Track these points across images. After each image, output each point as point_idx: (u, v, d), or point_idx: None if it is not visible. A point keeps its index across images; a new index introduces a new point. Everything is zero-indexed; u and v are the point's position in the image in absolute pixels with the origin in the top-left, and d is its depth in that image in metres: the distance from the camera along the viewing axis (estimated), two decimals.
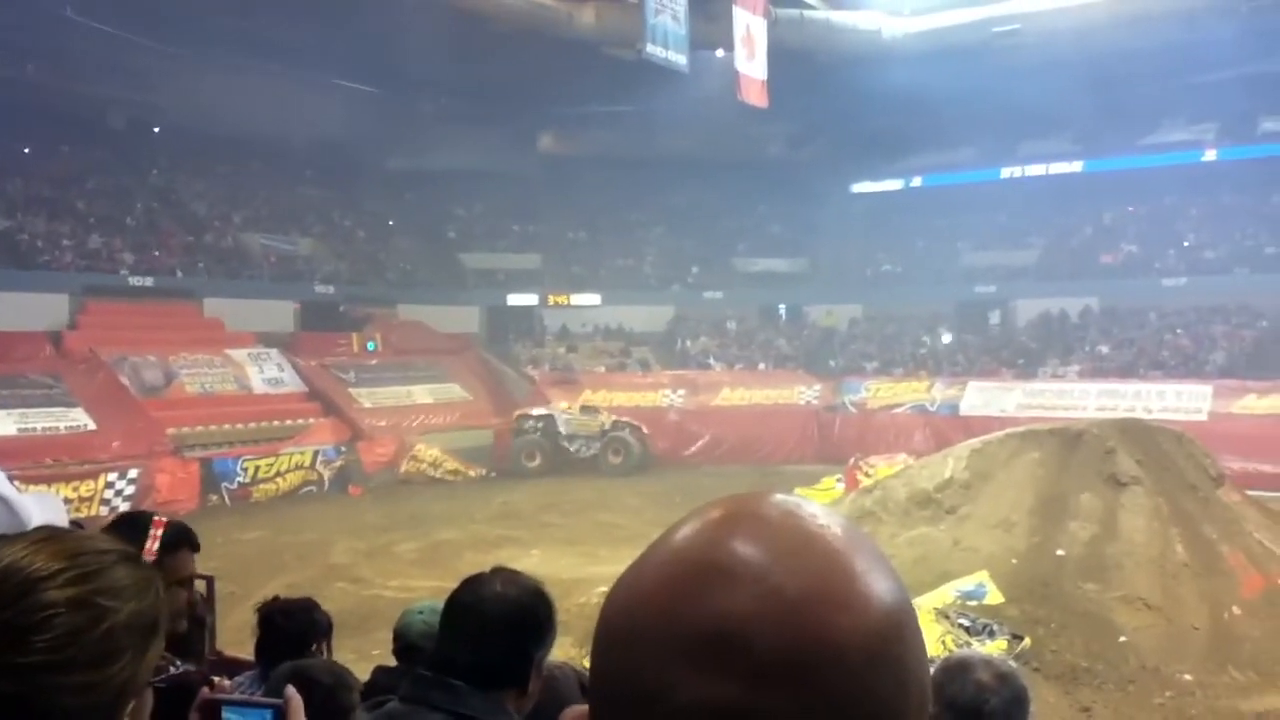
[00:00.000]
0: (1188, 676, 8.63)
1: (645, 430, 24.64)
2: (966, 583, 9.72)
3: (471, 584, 2.02)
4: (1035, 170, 33.19)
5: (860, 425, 25.10)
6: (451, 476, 23.27)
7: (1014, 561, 9.95)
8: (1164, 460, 10.96)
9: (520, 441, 24.31)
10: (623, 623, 0.68)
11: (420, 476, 22.93)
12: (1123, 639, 8.98)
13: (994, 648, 8.90)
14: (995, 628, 9.12)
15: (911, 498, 11.51)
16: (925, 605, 9.46)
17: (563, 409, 25.05)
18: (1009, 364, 27.65)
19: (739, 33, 24.66)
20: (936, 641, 8.84)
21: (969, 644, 8.84)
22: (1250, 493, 11.84)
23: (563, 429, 24.35)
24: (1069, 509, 10.40)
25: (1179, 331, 27.69)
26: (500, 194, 34.33)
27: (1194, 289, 28.51)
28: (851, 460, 19.43)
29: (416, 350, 27.26)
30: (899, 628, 0.67)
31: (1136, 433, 11.50)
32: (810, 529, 0.68)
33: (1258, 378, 23.37)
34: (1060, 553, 9.91)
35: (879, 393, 26.31)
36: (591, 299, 32.86)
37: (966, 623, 9.23)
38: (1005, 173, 33.49)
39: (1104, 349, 27.57)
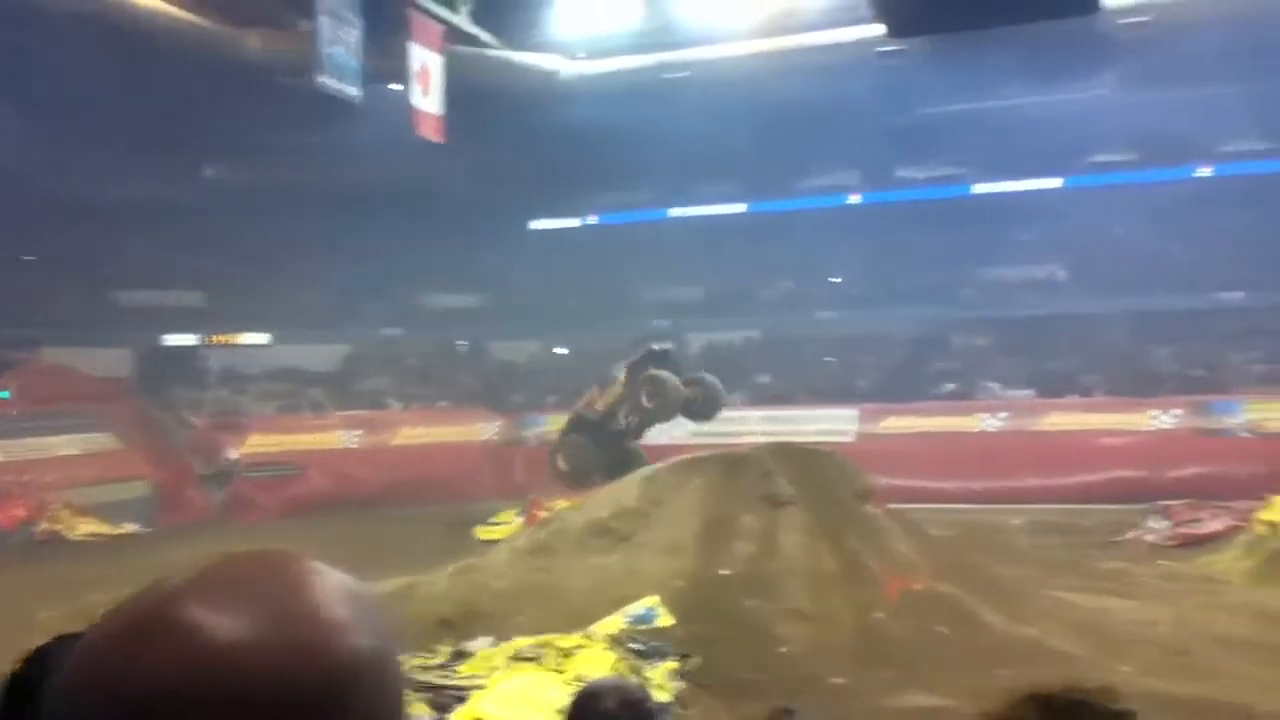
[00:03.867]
0: (841, 680, 9.22)
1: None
2: (638, 608, 9.94)
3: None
4: (703, 210, 34.99)
5: (542, 460, 25.20)
6: (99, 535, 21.18)
7: (682, 584, 10.30)
8: (816, 479, 11.75)
9: (565, 442, 19.78)
10: (72, 682, 0.65)
11: (64, 536, 20.73)
12: (783, 649, 9.48)
13: (665, 669, 9.14)
14: (666, 650, 9.36)
15: (587, 528, 11.68)
16: (599, 633, 9.59)
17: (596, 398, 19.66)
18: None
19: (414, 68, 24.48)
20: (610, 669, 8.96)
21: (641, 668, 9.02)
22: (891, 505, 12.88)
23: (591, 417, 19.35)
24: (732, 530, 10.90)
25: (831, 360, 30.03)
26: (161, 227, 31.98)
27: (843, 321, 31.11)
28: (532, 495, 19.55)
29: (60, 398, 24.77)
30: (353, 673, 0.65)
31: (792, 455, 12.28)
32: (266, 583, 0.66)
33: (897, 400, 25.75)
34: (725, 572, 10.35)
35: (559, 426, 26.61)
36: (260, 338, 31.24)
37: (639, 647, 9.42)
38: (677, 212, 35.07)
39: (765, 378, 29.37)
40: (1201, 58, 25.01)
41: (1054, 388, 25.86)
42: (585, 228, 36.38)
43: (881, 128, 30.38)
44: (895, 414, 24.62)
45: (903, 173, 33.46)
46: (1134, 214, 30.64)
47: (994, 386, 26.42)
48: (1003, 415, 23.76)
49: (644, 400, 18.00)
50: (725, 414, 26.20)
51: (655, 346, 19.05)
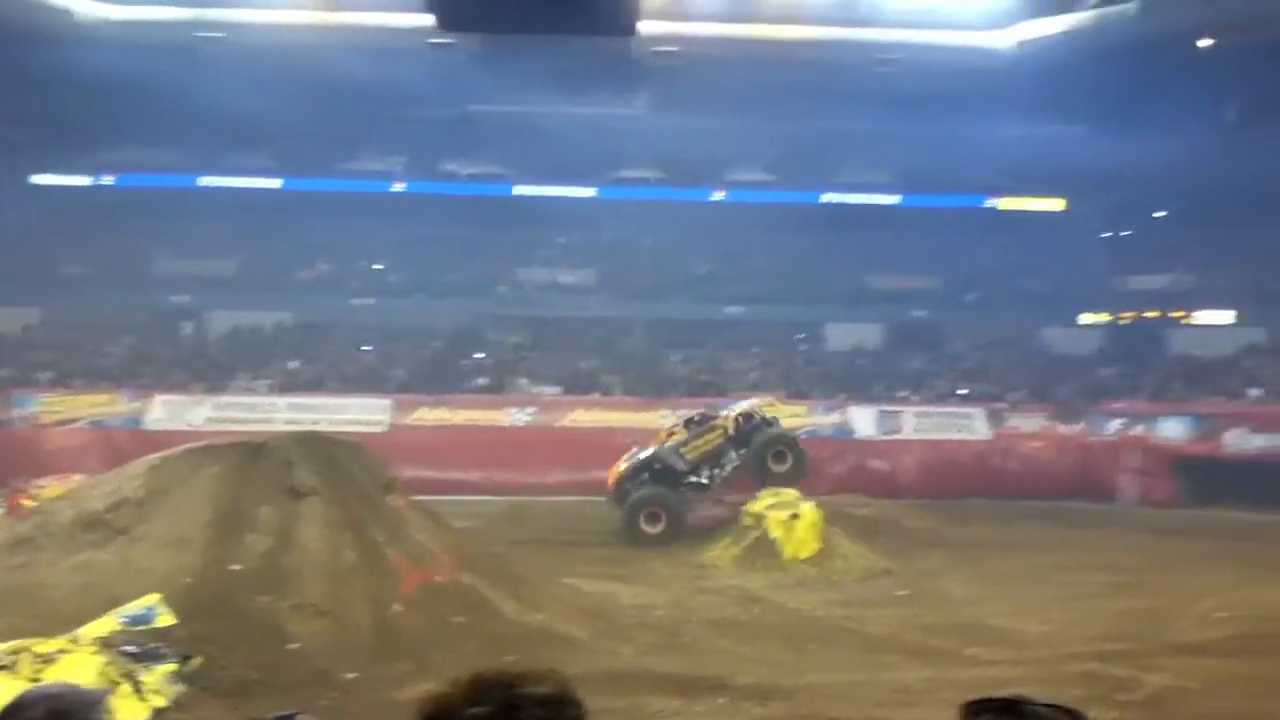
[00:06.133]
0: (352, 675, 9.02)
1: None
2: (135, 607, 9.09)
3: None
4: (236, 182, 32.93)
5: (31, 443, 22.55)
6: None
7: (188, 580, 9.58)
8: (340, 470, 11.42)
9: (635, 502, 16.96)
10: None
11: None
12: (294, 646, 9.11)
13: (162, 671, 8.44)
14: (165, 651, 8.66)
15: (78, 520, 10.52)
16: (87, 635, 8.67)
17: (663, 442, 17.87)
18: (200, 377, 26.99)
19: None
20: (98, 674, 8.14)
21: (134, 671, 8.27)
22: (420, 497, 12.86)
23: (679, 465, 17.42)
24: (247, 522, 10.31)
25: (366, 348, 29.54)
26: None
27: (381, 309, 30.73)
28: (16, 482, 17.44)
29: None
30: None
31: (316, 445, 11.83)
32: None
33: (431, 392, 25.91)
34: (236, 567, 9.77)
35: (54, 406, 23.96)
36: None
37: (134, 649, 8.63)
38: (205, 181, 32.73)
39: (295, 364, 28.28)
40: (721, 91, 27.70)
41: (579, 386, 27.30)
42: (99, 188, 32.82)
43: (429, 118, 30.47)
44: (428, 405, 24.76)
45: (448, 166, 33.75)
46: (659, 228, 33.29)
47: (524, 382, 27.40)
48: (531, 410, 24.69)
49: (770, 463, 17.45)
50: (248, 400, 25.10)
51: (759, 410, 18.64)
